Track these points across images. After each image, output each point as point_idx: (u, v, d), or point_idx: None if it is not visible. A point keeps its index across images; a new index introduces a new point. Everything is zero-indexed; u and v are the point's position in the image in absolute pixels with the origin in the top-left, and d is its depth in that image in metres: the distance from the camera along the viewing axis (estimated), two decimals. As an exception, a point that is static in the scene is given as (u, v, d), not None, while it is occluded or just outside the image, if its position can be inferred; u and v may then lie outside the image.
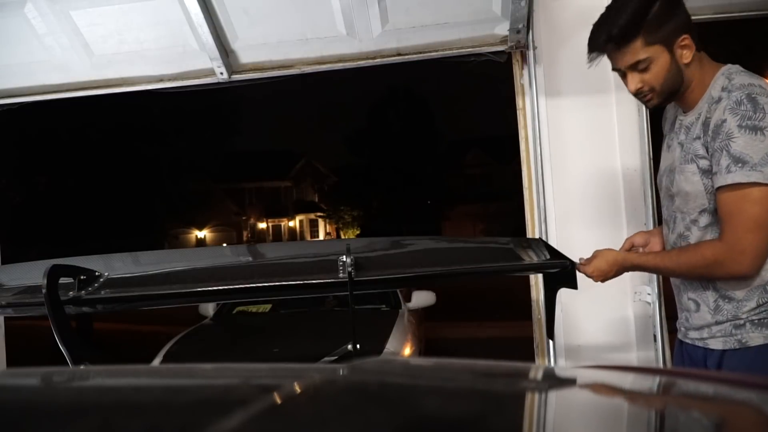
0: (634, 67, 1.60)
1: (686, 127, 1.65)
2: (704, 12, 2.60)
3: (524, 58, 2.79)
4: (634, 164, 2.67)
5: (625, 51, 1.58)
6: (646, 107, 1.76)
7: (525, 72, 2.79)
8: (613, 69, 1.67)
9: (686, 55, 1.59)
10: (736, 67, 1.62)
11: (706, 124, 1.56)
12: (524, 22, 2.63)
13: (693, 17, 2.59)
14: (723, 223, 1.54)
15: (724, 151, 1.50)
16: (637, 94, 1.65)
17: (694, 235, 1.64)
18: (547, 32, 2.71)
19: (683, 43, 1.58)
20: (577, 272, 1.82)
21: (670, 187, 1.70)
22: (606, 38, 1.59)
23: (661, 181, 1.79)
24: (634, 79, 1.61)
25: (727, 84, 1.56)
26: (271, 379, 0.78)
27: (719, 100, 1.54)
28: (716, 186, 1.53)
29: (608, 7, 1.61)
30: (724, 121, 1.50)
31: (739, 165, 1.47)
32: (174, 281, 1.99)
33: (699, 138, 1.58)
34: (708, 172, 1.56)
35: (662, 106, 1.76)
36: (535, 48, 2.73)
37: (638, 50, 1.57)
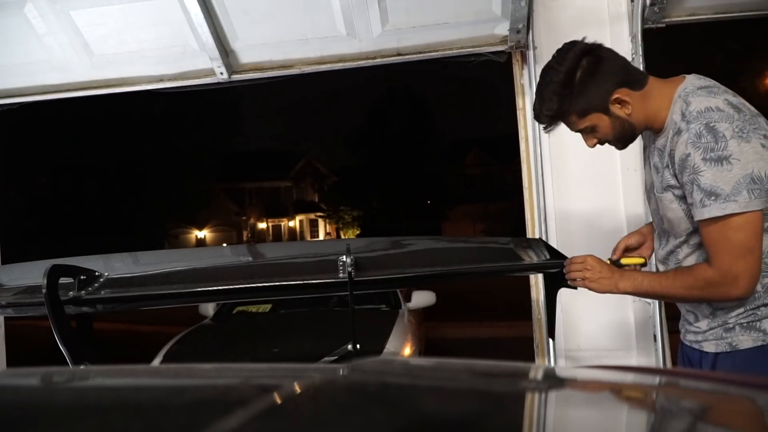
0: (583, 131, 1.67)
1: (659, 150, 1.65)
2: (704, 12, 2.61)
3: (524, 58, 2.79)
4: (634, 164, 2.67)
5: (567, 124, 1.66)
6: (619, 150, 1.78)
7: (525, 72, 2.79)
8: None
9: (625, 108, 1.60)
10: (692, 85, 1.58)
11: (671, 156, 1.56)
12: (524, 22, 2.63)
13: (693, 17, 2.62)
14: (711, 253, 1.54)
15: (695, 185, 1.49)
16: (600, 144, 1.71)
17: (683, 252, 1.65)
18: (547, 32, 2.71)
19: (618, 101, 1.60)
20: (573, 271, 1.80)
21: (655, 208, 1.72)
22: (543, 124, 1.67)
23: (649, 197, 1.80)
24: (589, 139, 1.69)
25: (685, 110, 1.54)
26: (271, 379, 0.78)
27: (679, 132, 1.53)
28: (696, 219, 1.54)
29: (537, 89, 1.66)
30: (688, 155, 1.50)
31: (713, 198, 1.47)
32: (174, 281, 1.99)
33: (669, 167, 1.58)
34: (683, 199, 1.57)
35: (632, 142, 1.75)
36: (535, 48, 2.73)
37: (576, 123, 1.64)
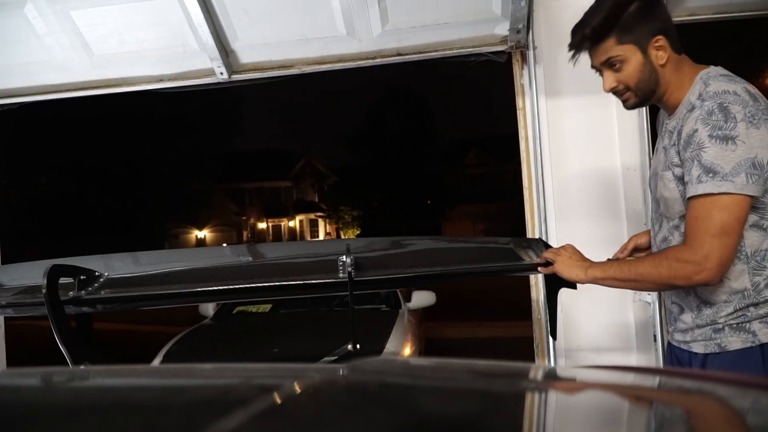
0: (608, 65, 1.64)
1: (669, 132, 1.66)
2: (704, 12, 2.60)
3: (524, 58, 2.79)
4: (634, 164, 2.68)
5: (599, 49, 1.64)
6: (625, 107, 1.74)
7: (525, 72, 2.79)
8: (592, 66, 1.70)
9: (661, 57, 1.61)
10: (715, 71, 1.61)
11: (680, 133, 1.57)
12: (524, 22, 2.63)
13: (693, 17, 2.62)
14: (689, 229, 1.53)
15: (695, 161, 1.50)
16: (613, 92, 1.68)
17: (676, 240, 1.65)
18: (547, 32, 2.71)
19: (657, 45, 1.60)
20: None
21: (655, 191, 1.72)
22: (581, 37, 1.64)
23: (650, 185, 1.81)
24: (609, 78, 1.66)
25: (703, 90, 1.56)
26: (271, 379, 0.78)
27: (692, 109, 1.55)
28: (687, 196, 1.53)
29: (589, 8, 1.66)
30: (696, 131, 1.50)
31: (710, 175, 1.47)
32: (174, 281, 1.99)
33: (675, 145, 1.59)
34: (682, 180, 1.57)
35: (641, 107, 1.76)
36: (535, 48, 2.73)
37: (610, 48, 1.62)
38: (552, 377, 1.00)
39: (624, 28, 1.59)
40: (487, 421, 0.59)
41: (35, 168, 16.38)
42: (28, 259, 2.28)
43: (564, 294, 1.92)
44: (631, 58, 1.61)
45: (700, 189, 1.49)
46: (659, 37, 1.60)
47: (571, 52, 1.68)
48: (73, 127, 14.92)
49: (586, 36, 1.63)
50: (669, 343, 1.79)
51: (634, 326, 2.69)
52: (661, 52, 1.60)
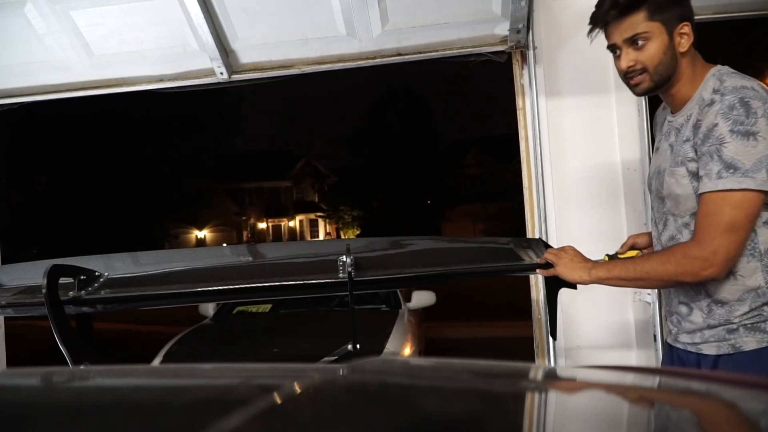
0: (631, 42, 1.59)
1: (676, 129, 1.64)
2: (704, 12, 2.60)
3: (524, 58, 2.79)
4: (634, 164, 2.68)
5: (626, 22, 1.58)
6: (635, 93, 1.69)
7: (525, 72, 2.79)
8: (608, 47, 1.65)
9: (684, 44, 1.59)
10: (727, 69, 1.61)
11: (696, 127, 1.55)
12: (524, 22, 2.63)
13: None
14: (698, 225, 1.52)
15: (715, 156, 1.48)
16: (628, 73, 1.62)
17: (685, 238, 1.62)
18: (547, 32, 2.71)
19: (683, 31, 1.59)
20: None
21: (660, 189, 1.68)
22: (611, 4, 1.59)
23: (651, 184, 1.78)
24: (628, 56, 1.60)
25: (719, 86, 1.54)
26: (271, 379, 0.78)
27: (711, 103, 1.53)
28: (703, 190, 1.51)
29: None
30: (716, 125, 1.49)
31: (731, 171, 1.46)
32: (174, 281, 1.99)
33: (689, 140, 1.56)
34: (696, 175, 1.55)
35: (650, 94, 1.70)
36: (535, 48, 2.73)
37: (639, 23, 1.57)
38: (552, 377, 1.00)
39: (656, 4, 1.56)
40: (487, 421, 0.59)
41: (35, 168, 16.37)
42: (28, 259, 2.28)
43: (564, 294, 1.92)
44: (657, 38, 1.57)
45: (720, 185, 1.48)
46: (686, 23, 1.58)
47: (590, 26, 1.63)
48: (73, 127, 14.91)
49: (617, 3, 1.57)
50: (670, 346, 1.76)
51: (634, 326, 2.69)
52: (684, 40, 1.58)
